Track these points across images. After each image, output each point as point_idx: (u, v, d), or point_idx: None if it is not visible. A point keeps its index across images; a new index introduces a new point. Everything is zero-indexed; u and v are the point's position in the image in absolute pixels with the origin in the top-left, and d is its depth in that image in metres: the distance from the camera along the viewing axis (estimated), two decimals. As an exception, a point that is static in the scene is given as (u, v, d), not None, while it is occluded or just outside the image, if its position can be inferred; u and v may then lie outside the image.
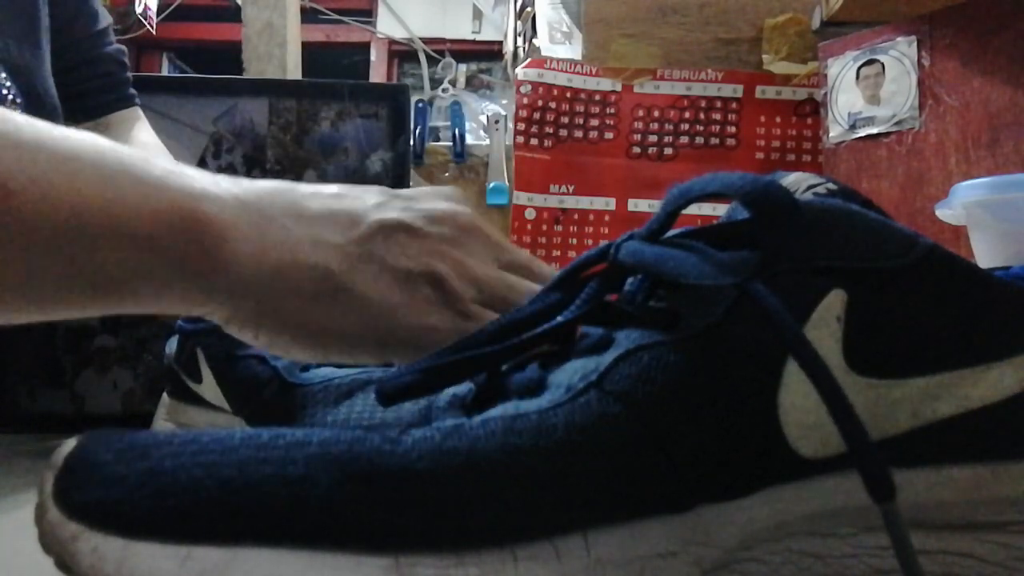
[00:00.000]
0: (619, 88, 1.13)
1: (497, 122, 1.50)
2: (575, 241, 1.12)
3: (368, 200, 0.34)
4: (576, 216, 1.12)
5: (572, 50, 1.21)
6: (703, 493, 0.25)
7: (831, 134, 0.97)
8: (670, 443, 0.24)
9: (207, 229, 0.29)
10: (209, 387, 0.48)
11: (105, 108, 0.73)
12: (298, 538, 0.22)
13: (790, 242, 0.26)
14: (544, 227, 1.12)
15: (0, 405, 0.73)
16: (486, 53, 3.04)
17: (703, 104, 1.12)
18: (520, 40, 1.51)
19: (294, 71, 1.54)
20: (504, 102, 2.24)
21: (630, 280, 0.29)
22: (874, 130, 0.92)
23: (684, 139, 1.13)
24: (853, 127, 0.94)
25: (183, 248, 0.29)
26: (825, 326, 0.25)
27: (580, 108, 1.12)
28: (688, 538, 0.25)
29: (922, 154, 0.87)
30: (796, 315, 0.25)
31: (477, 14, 3.17)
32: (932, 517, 0.26)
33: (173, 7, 2.75)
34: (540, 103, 1.11)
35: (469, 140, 1.52)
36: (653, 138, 1.13)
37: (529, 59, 1.17)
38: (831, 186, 0.29)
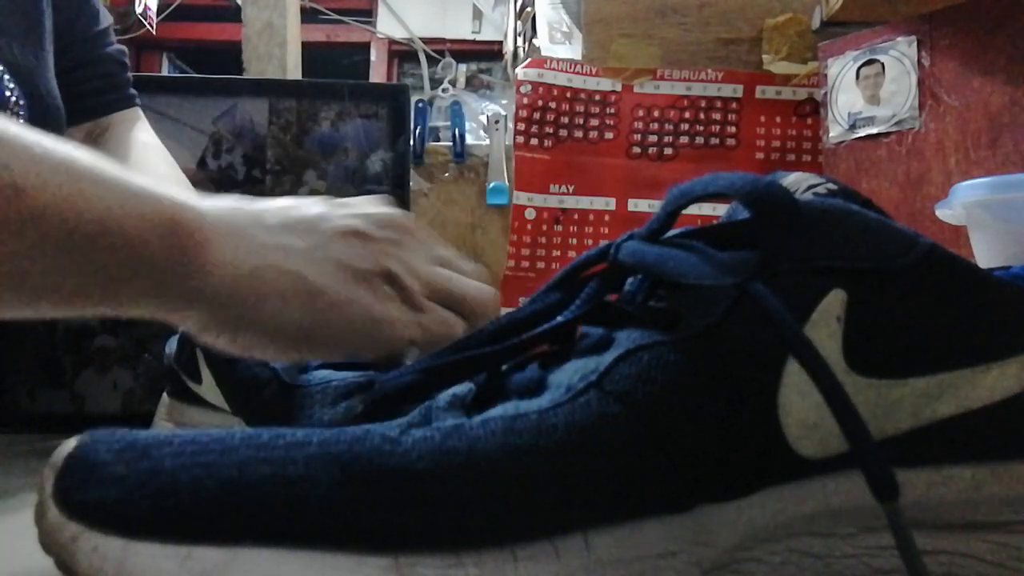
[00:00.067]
0: (619, 88, 1.13)
1: (497, 122, 1.50)
2: (575, 241, 1.12)
3: (315, 209, 0.37)
4: (576, 216, 1.12)
5: (572, 50, 1.21)
6: (703, 493, 0.25)
7: (831, 134, 0.97)
8: (670, 443, 0.24)
9: (188, 235, 0.32)
10: (209, 387, 0.48)
11: (106, 108, 0.73)
12: (298, 538, 0.22)
13: (790, 242, 0.26)
14: (544, 227, 1.12)
15: (0, 405, 0.73)
16: (486, 53, 3.04)
17: (703, 104, 1.12)
18: (520, 40, 1.51)
19: (294, 71, 1.54)
20: (504, 102, 2.24)
21: (630, 280, 0.29)
22: (874, 130, 0.92)
23: (684, 139, 1.12)
24: (853, 127, 0.94)
25: (168, 253, 0.31)
26: (825, 326, 0.25)
27: (580, 108, 1.12)
28: (688, 538, 0.25)
29: (922, 154, 0.87)
30: (796, 315, 0.25)
31: (477, 14, 3.17)
32: (932, 517, 0.26)
33: (173, 7, 2.75)
34: (540, 103, 1.11)
35: (469, 140, 1.52)
36: (653, 138, 1.12)
37: (529, 59, 1.17)
38: (831, 186, 0.29)
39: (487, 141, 1.51)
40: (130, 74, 0.76)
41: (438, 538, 0.23)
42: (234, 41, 1.62)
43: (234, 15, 1.77)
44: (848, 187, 0.29)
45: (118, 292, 0.31)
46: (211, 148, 0.84)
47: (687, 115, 1.12)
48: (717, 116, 1.12)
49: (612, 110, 1.12)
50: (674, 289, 0.27)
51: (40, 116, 0.62)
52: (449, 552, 0.23)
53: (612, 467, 0.24)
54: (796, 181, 0.29)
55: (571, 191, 1.12)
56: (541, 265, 1.12)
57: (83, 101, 0.70)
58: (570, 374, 0.26)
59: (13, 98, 0.60)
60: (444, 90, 2.18)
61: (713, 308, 0.26)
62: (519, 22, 1.52)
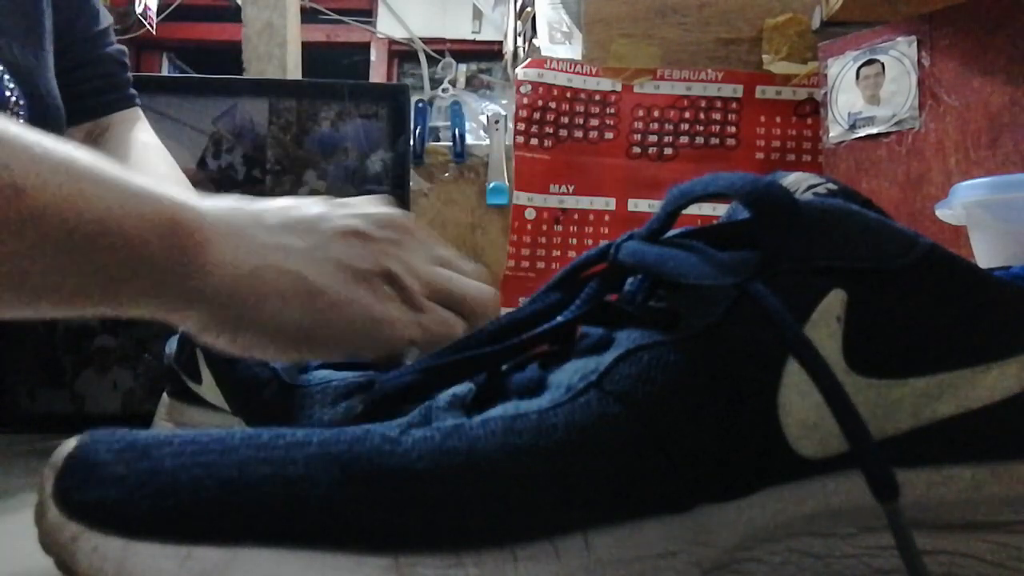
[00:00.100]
0: (619, 88, 1.13)
1: (497, 122, 1.50)
2: (575, 241, 1.12)
3: (316, 209, 0.37)
4: (576, 216, 1.12)
5: (572, 50, 1.20)
6: (703, 493, 0.25)
7: (831, 134, 0.97)
8: (670, 443, 0.24)
9: (188, 235, 0.31)
10: (209, 387, 0.48)
11: (106, 108, 0.73)
12: (298, 538, 0.22)
13: (790, 242, 0.26)
14: (544, 227, 1.12)
15: (0, 405, 0.73)
16: (486, 53, 3.04)
17: (703, 104, 1.12)
18: (520, 40, 1.51)
19: (294, 71, 1.54)
20: (504, 102, 2.24)
21: (630, 280, 0.29)
22: (874, 130, 0.92)
23: (684, 139, 1.12)
24: (853, 127, 0.94)
25: (168, 253, 0.31)
26: (825, 326, 0.25)
27: (580, 108, 1.12)
28: (688, 538, 0.25)
29: (922, 154, 0.87)
30: (796, 315, 0.25)
31: (477, 14, 3.17)
32: (932, 517, 0.26)
33: (173, 7, 2.75)
34: (540, 103, 1.11)
35: (469, 140, 1.52)
36: (653, 138, 1.12)
37: (529, 59, 1.17)
38: (831, 186, 0.29)
39: (487, 141, 1.51)
40: (130, 74, 0.76)
41: (438, 538, 0.23)
42: (234, 41, 1.62)
43: (234, 15, 1.77)
44: (848, 187, 0.29)
45: (118, 292, 0.31)
46: (211, 148, 0.84)
47: (687, 115, 1.12)
48: (717, 116, 1.12)
49: (612, 110, 1.12)
50: (674, 289, 0.27)
51: (40, 116, 0.62)
52: (449, 552, 0.23)
53: (612, 467, 0.24)
54: (796, 181, 0.29)
55: (571, 191, 1.12)
56: (541, 265, 1.12)
57: (83, 101, 0.70)
58: (570, 374, 0.26)
59: (13, 98, 0.60)
60: (444, 90, 2.18)
61: (713, 308, 0.26)
62: (519, 22, 1.52)
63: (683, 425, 0.25)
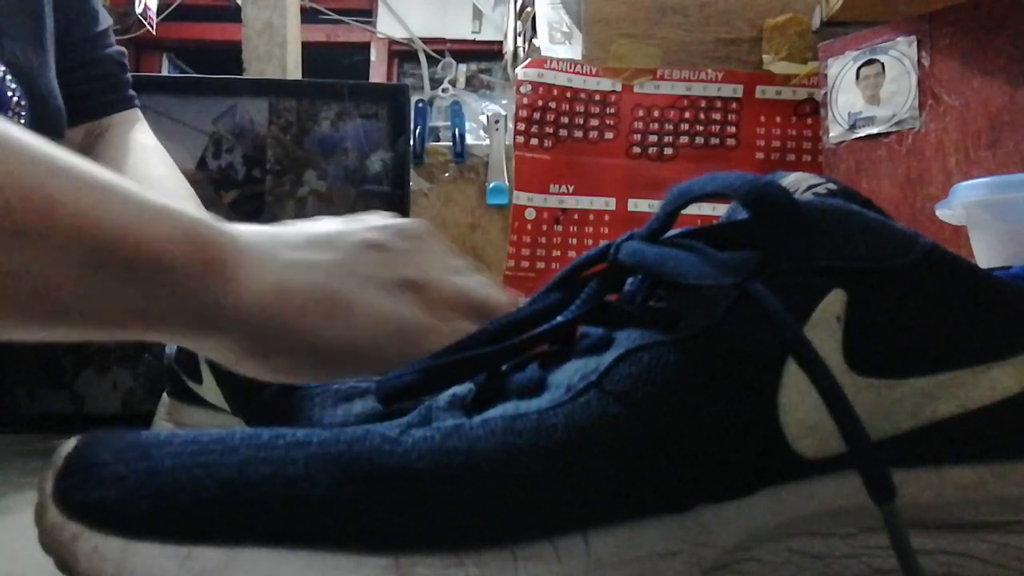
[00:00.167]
0: (619, 88, 1.13)
1: (497, 122, 1.50)
2: (575, 241, 1.12)
3: (334, 226, 0.37)
4: (576, 216, 1.12)
5: (572, 50, 1.20)
6: (703, 493, 0.25)
7: (831, 134, 0.97)
8: (670, 443, 0.24)
9: (215, 253, 0.31)
10: (209, 387, 0.48)
11: (105, 109, 0.73)
12: (298, 538, 0.22)
13: (790, 242, 0.26)
14: (544, 227, 1.12)
15: (0, 405, 0.73)
16: (486, 53, 3.04)
17: (703, 104, 1.12)
18: (520, 40, 1.51)
19: (294, 71, 1.54)
20: (504, 102, 2.24)
21: (630, 280, 0.29)
22: (874, 130, 0.92)
23: (684, 139, 1.13)
24: (853, 127, 0.94)
25: (195, 270, 0.30)
26: (825, 326, 0.25)
27: (580, 108, 1.12)
28: (688, 538, 0.25)
29: (922, 154, 0.87)
30: (796, 315, 0.25)
31: (477, 14, 3.17)
32: (932, 517, 0.26)
33: (173, 7, 2.74)
34: (540, 103, 1.11)
35: (469, 140, 1.52)
36: (653, 138, 1.13)
37: (529, 59, 1.17)
38: (831, 186, 0.29)
39: (487, 141, 1.51)
40: (129, 75, 0.76)
41: (438, 538, 0.23)
42: (234, 41, 1.62)
43: (234, 15, 1.77)
44: (848, 187, 0.29)
45: (146, 311, 0.30)
46: (211, 148, 0.84)
47: (687, 115, 1.12)
48: (717, 116, 1.12)
49: (612, 110, 1.13)
50: (674, 289, 0.27)
51: (42, 117, 0.62)
52: (449, 552, 0.23)
53: (612, 467, 0.24)
54: (796, 181, 0.29)
55: (571, 191, 1.12)
56: (541, 265, 1.12)
57: (82, 102, 0.70)
58: (570, 374, 0.26)
59: (15, 99, 0.60)
60: (444, 90, 2.17)
61: (713, 308, 0.26)
62: (519, 22, 1.52)
63: (683, 425, 0.25)
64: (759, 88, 1.12)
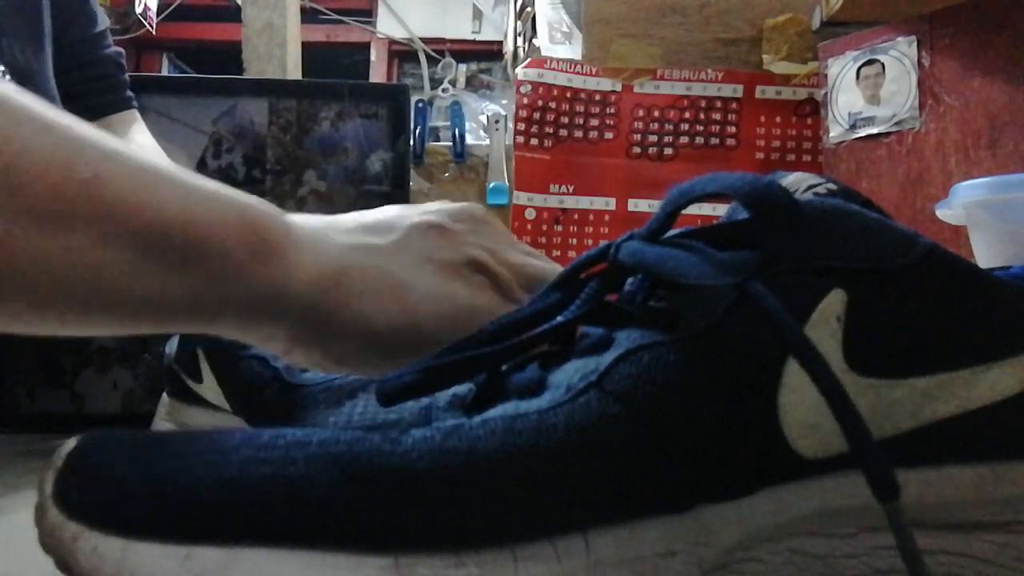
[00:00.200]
0: (619, 88, 1.13)
1: (497, 122, 1.50)
2: (575, 241, 1.12)
3: (390, 212, 0.36)
4: (576, 216, 1.12)
5: (572, 50, 1.20)
6: (703, 493, 0.25)
7: (831, 134, 0.97)
8: (670, 443, 0.24)
9: (270, 237, 0.30)
10: (209, 387, 0.48)
11: (103, 110, 0.73)
12: (298, 538, 0.22)
13: (790, 242, 0.26)
14: (544, 227, 1.12)
15: (0, 405, 0.73)
16: (486, 53, 3.04)
17: (703, 104, 1.12)
18: (520, 40, 1.51)
19: (294, 71, 1.54)
20: (504, 102, 2.24)
21: (630, 280, 0.29)
22: (874, 130, 0.92)
23: (684, 139, 1.13)
24: (853, 127, 0.94)
25: (250, 255, 0.29)
26: (825, 326, 0.25)
27: (580, 108, 1.12)
28: (688, 538, 0.25)
29: (922, 154, 0.87)
30: (796, 315, 0.25)
31: (477, 14, 3.17)
32: (932, 517, 0.26)
33: (173, 7, 2.75)
34: (540, 103, 1.11)
35: (469, 140, 1.52)
36: (653, 138, 1.13)
37: (529, 59, 1.17)
38: (831, 186, 0.29)
39: (487, 141, 1.51)
40: (127, 76, 0.76)
41: (438, 538, 0.23)
42: (234, 41, 1.62)
43: (234, 15, 1.77)
44: (848, 187, 0.29)
45: (200, 299, 0.28)
46: (211, 148, 0.84)
47: (687, 115, 1.12)
48: (717, 116, 1.12)
49: (612, 110, 1.13)
50: (674, 289, 0.27)
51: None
52: (449, 552, 0.23)
53: (612, 467, 0.24)
54: (796, 181, 0.29)
55: (571, 191, 1.12)
56: (541, 265, 1.12)
57: (80, 102, 0.70)
58: (570, 374, 0.26)
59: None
60: (444, 90, 2.18)
61: (713, 308, 0.26)
62: (519, 22, 1.52)
63: (683, 425, 0.25)
64: (759, 88, 1.12)
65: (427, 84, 2.41)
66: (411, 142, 1.07)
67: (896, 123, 0.90)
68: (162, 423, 0.53)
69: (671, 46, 1.13)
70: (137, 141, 0.72)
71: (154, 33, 2.50)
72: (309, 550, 0.22)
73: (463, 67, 2.81)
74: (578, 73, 1.12)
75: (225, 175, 0.84)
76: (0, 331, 0.26)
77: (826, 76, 0.98)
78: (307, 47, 1.64)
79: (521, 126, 1.11)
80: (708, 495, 0.25)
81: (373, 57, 3.40)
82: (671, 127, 1.12)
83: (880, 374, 0.25)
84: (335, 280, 0.31)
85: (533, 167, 1.12)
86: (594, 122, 1.13)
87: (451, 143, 1.50)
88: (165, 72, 3.42)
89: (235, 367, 0.46)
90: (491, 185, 1.45)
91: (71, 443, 0.23)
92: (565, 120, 1.12)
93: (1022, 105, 0.79)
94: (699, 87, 1.12)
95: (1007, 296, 0.26)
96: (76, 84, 0.70)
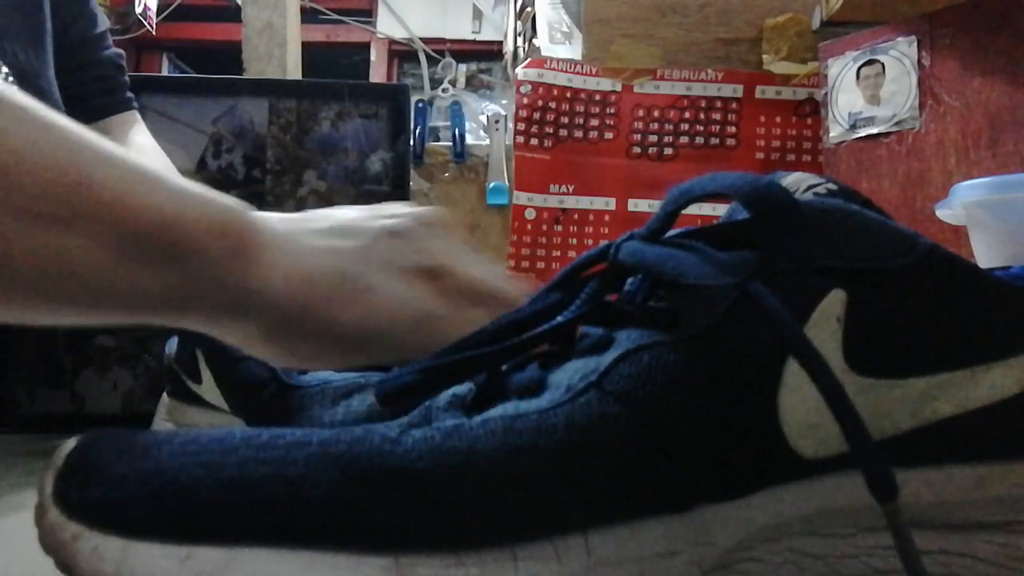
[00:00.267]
0: (619, 88, 1.13)
1: (497, 122, 1.50)
2: (575, 241, 1.12)
3: (355, 214, 0.37)
4: (576, 216, 1.12)
5: (572, 50, 1.21)
6: (703, 493, 0.25)
7: (831, 134, 0.97)
8: (670, 443, 0.24)
9: (245, 237, 0.31)
10: (209, 387, 0.48)
11: (103, 111, 0.73)
12: (298, 538, 0.22)
13: (790, 242, 0.26)
14: (544, 227, 1.12)
15: (0, 405, 0.73)
16: (486, 53, 3.04)
17: (703, 104, 1.12)
18: (520, 40, 1.51)
19: (294, 71, 1.54)
20: (504, 102, 2.24)
21: (630, 280, 0.29)
22: (874, 130, 0.92)
23: (684, 139, 1.13)
24: (853, 127, 0.94)
25: (225, 254, 0.30)
26: (825, 326, 0.25)
27: (580, 108, 1.12)
28: (688, 538, 0.25)
29: (922, 154, 0.88)
30: (796, 315, 0.25)
31: (477, 14, 3.17)
32: (932, 517, 0.26)
33: (173, 7, 2.75)
34: (540, 103, 1.11)
35: (469, 140, 1.52)
36: (653, 138, 1.13)
37: (529, 59, 1.17)
38: (831, 186, 0.29)
39: (487, 141, 1.51)
40: (127, 77, 0.76)
41: (438, 538, 0.23)
42: (234, 41, 1.62)
43: (234, 15, 1.77)
44: (848, 187, 0.29)
45: (173, 294, 0.30)
46: (211, 148, 0.84)
47: (687, 115, 1.12)
48: (717, 116, 1.12)
49: (612, 110, 1.13)
50: (674, 289, 0.27)
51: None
52: (449, 552, 0.23)
53: (612, 467, 0.24)
54: (796, 181, 0.29)
55: (571, 191, 1.12)
56: (541, 265, 1.12)
57: (80, 103, 0.70)
58: (570, 374, 0.26)
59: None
60: (444, 90, 2.18)
61: (713, 308, 0.26)
62: (519, 22, 1.52)
63: (683, 425, 0.25)
64: (759, 88, 1.12)
65: (427, 84, 2.42)
66: (411, 142, 1.07)
67: (896, 123, 0.90)
68: (162, 423, 0.53)
69: (671, 46, 1.13)
70: (137, 142, 0.72)
71: (154, 33, 2.50)
72: (309, 550, 0.22)
73: (463, 67, 2.81)
74: (578, 73, 1.12)
75: (225, 175, 0.84)
76: None
77: (826, 76, 0.98)
78: (307, 47, 1.64)
79: (521, 126, 1.12)
80: (708, 495, 0.25)
81: (373, 57, 3.40)
82: (671, 127, 1.12)
83: (880, 374, 0.25)
84: (303, 282, 0.33)
85: (533, 167, 1.12)
86: (594, 122, 1.13)
87: (451, 143, 1.50)
88: (165, 72, 3.43)
89: (234, 368, 0.46)
90: (491, 185, 1.45)
91: (71, 443, 0.23)
92: (565, 120, 1.12)
93: (1022, 105, 0.79)
94: (699, 87, 1.12)
95: (1007, 296, 0.26)
96: (76, 85, 0.70)
